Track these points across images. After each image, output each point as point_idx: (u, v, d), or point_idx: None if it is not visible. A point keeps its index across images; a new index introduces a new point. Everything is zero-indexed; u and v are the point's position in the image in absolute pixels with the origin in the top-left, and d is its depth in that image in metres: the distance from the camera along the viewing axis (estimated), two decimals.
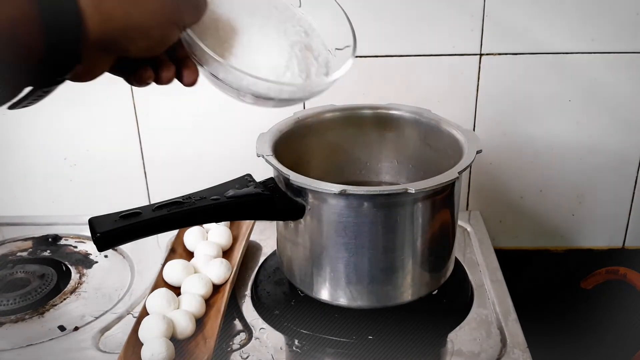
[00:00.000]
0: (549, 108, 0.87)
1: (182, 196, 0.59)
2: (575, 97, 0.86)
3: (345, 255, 0.62)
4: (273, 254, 0.77)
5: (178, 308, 0.66)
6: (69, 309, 0.72)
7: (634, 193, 0.92)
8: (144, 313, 0.65)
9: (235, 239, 0.79)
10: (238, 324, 0.68)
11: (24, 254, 0.83)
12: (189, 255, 0.77)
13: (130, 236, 0.56)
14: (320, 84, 0.50)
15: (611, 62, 0.83)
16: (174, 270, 0.71)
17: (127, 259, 0.81)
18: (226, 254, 0.77)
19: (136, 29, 0.40)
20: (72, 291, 0.75)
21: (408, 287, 0.64)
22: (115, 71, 0.44)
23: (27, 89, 0.38)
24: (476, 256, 0.79)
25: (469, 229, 0.86)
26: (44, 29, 0.35)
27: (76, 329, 0.68)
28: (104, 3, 0.37)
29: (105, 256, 0.82)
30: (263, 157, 0.63)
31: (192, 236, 0.78)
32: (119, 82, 0.46)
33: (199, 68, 0.47)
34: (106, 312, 0.70)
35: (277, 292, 0.71)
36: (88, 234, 0.55)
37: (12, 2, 0.34)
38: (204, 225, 0.79)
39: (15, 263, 0.80)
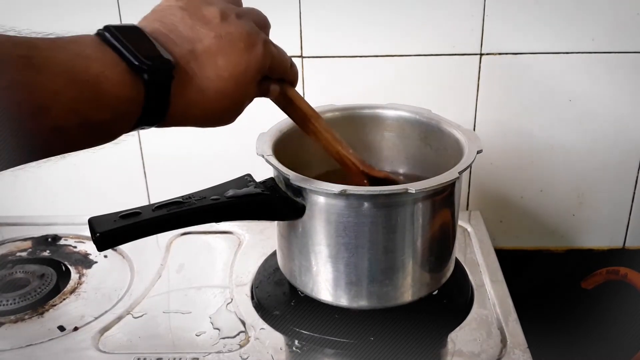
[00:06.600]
0: (549, 108, 0.86)
1: (182, 196, 0.59)
2: (575, 97, 0.86)
3: (345, 255, 0.62)
4: (273, 254, 0.77)
5: None
6: (69, 309, 0.72)
7: (634, 193, 0.92)
8: None
9: None
10: (238, 324, 0.68)
11: (24, 254, 0.83)
12: None
13: (130, 236, 0.55)
14: None
15: (611, 62, 0.83)
16: None
17: (126, 259, 0.80)
18: None
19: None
20: (72, 291, 0.75)
21: (408, 287, 0.64)
22: None
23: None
24: (476, 256, 0.79)
25: (469, 229, 0.85)
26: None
27: (76, 329, 0.68)
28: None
29: (105, 256, 0.81)
30: (263, 157, 0.63)
31: None
32: None
33: None
34: (106, 312, 0.70)
35: (277, 293, 0.71)
36: (88, 234, 0.55)
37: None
38: None
39: (14, 263, 0.80)
